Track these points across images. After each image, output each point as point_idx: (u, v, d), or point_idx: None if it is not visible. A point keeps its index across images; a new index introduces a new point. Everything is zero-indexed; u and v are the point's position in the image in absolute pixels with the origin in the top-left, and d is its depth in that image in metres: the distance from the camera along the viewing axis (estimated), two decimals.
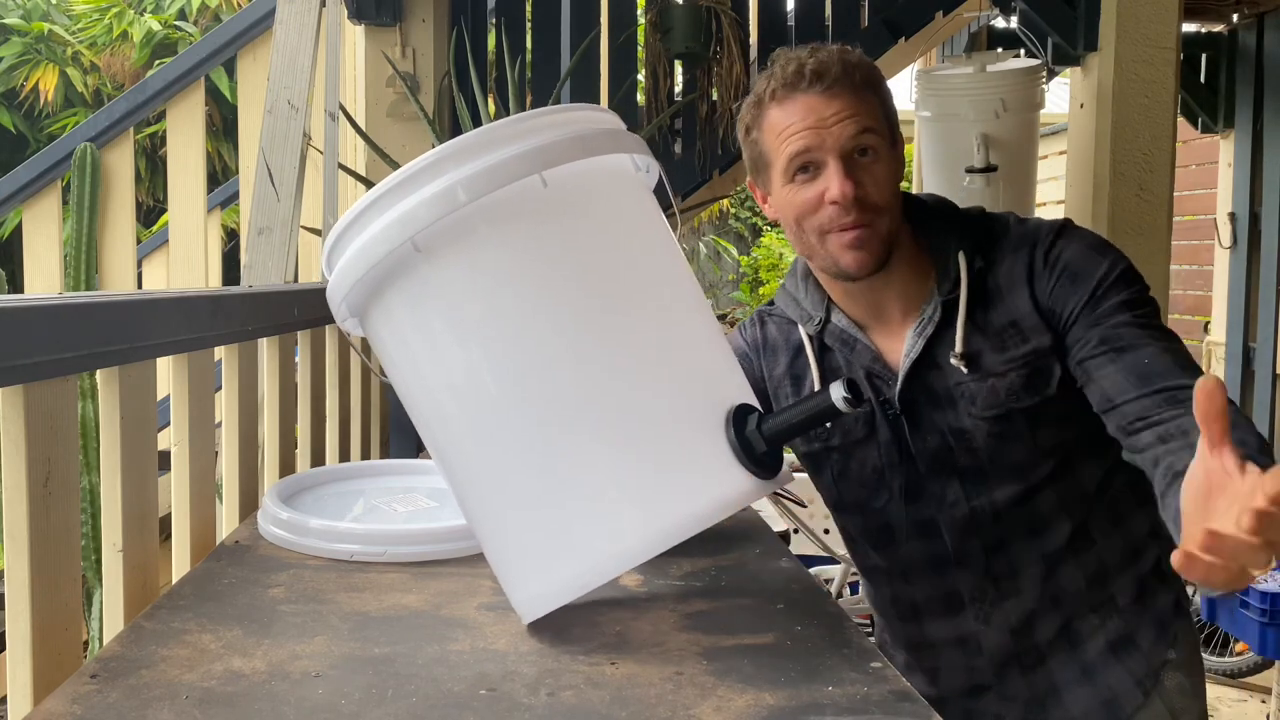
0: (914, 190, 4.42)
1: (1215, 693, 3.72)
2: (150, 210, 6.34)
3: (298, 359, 1.79)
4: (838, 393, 1.01)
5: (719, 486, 1.01)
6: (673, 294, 1.09)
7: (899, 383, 1.31)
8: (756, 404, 1.08)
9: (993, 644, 1.37)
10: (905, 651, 1.47)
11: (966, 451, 1.30)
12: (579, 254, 1.03)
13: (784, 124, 1.25)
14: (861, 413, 1.34)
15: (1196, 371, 1.18)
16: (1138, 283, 1.26)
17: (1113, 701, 1.33)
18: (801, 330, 1.39)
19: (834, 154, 1.23)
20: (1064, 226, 1.30)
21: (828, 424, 1.33)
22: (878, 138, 1.24)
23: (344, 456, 1.99)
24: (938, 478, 1.32)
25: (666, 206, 1.17)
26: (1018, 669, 1.37)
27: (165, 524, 1.53)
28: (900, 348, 1.32)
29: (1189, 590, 1.42)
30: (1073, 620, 1.34)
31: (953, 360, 1.27)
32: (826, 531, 3.07)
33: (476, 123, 2.87)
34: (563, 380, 1.00)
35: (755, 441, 1.02)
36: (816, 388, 1.35)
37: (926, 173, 3.50)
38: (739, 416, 1.03)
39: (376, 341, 1.10)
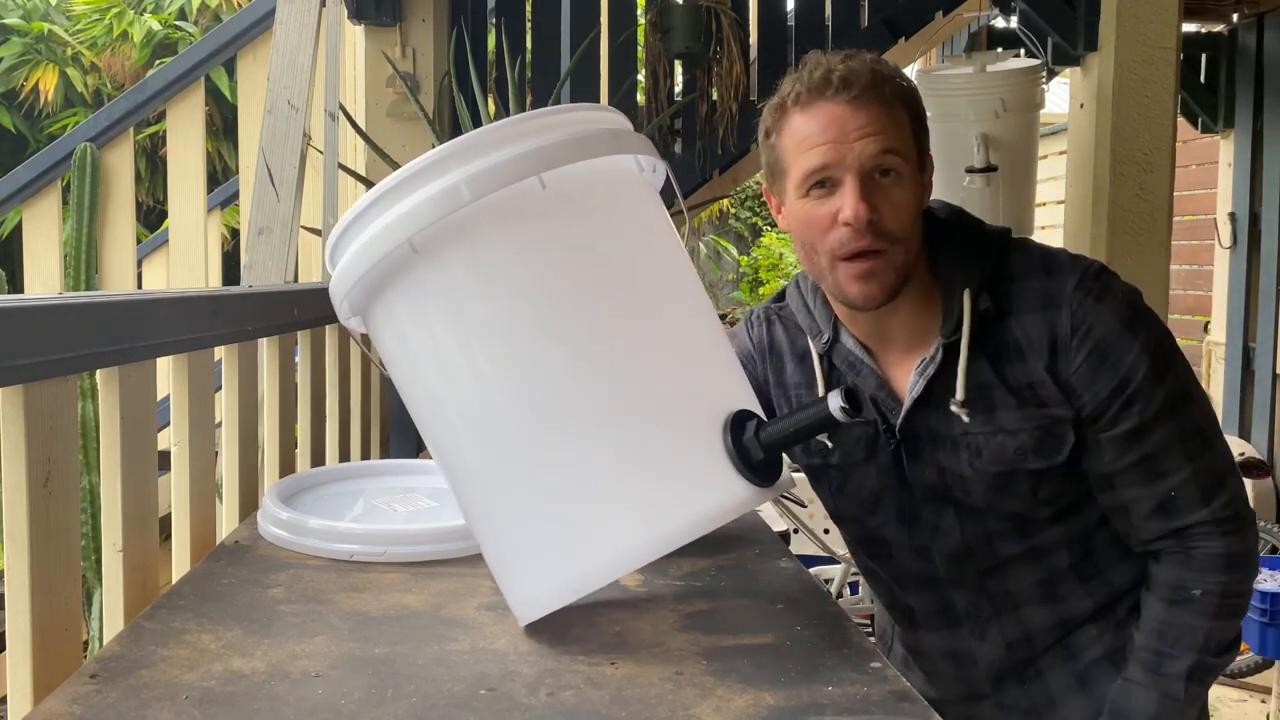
0: None
1: (1215, 693, 3.71)
2: (150, 210, 6.34)
3: (298, 359, 1.79)
4: (835, 403, 1.00)
5: (715, 493, 1.00)
6: (675, 297, 1.09)
7: (901, 415, 1.27)
8: (758, 409, 1.07)
9: (988, 658, 1.35)
10: (904, 649, 1.46)
11: (963, 492, 1.27)
12: (579, 256, 1.03)
13: (804, 132, 1.17)
14: (864, 434, 1.30)
15: (1214, 490, 1.21)
16: (1168, 364, 1.20)
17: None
18: (810, 343, 1.34)
19: (853, 172, 1.15)
20: (1094, 284, 1.20)
21: (825, 433, 1.30)
22: (902, 160, 1.17)
23: (344, 456, 1.99)
24: (933, 506, 1.30)
25: (673, 207, 1.17)
26: (1014, 681, 1.35)
27: (165, 524, 1.53)
28: (905, 378, 1.27)
29: None
30: (1072, 633, 1.32)
31: (953, 407, 1.22)
32: (826, 531, 3.07)
33: (476, 123, 2.87)
34: (561, 383, 1.00)
35: (752, 449, 1.01)
36: None
37: None
38: (737, 423, 1.02)
39: (379, 339, 1.10)
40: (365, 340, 1.13)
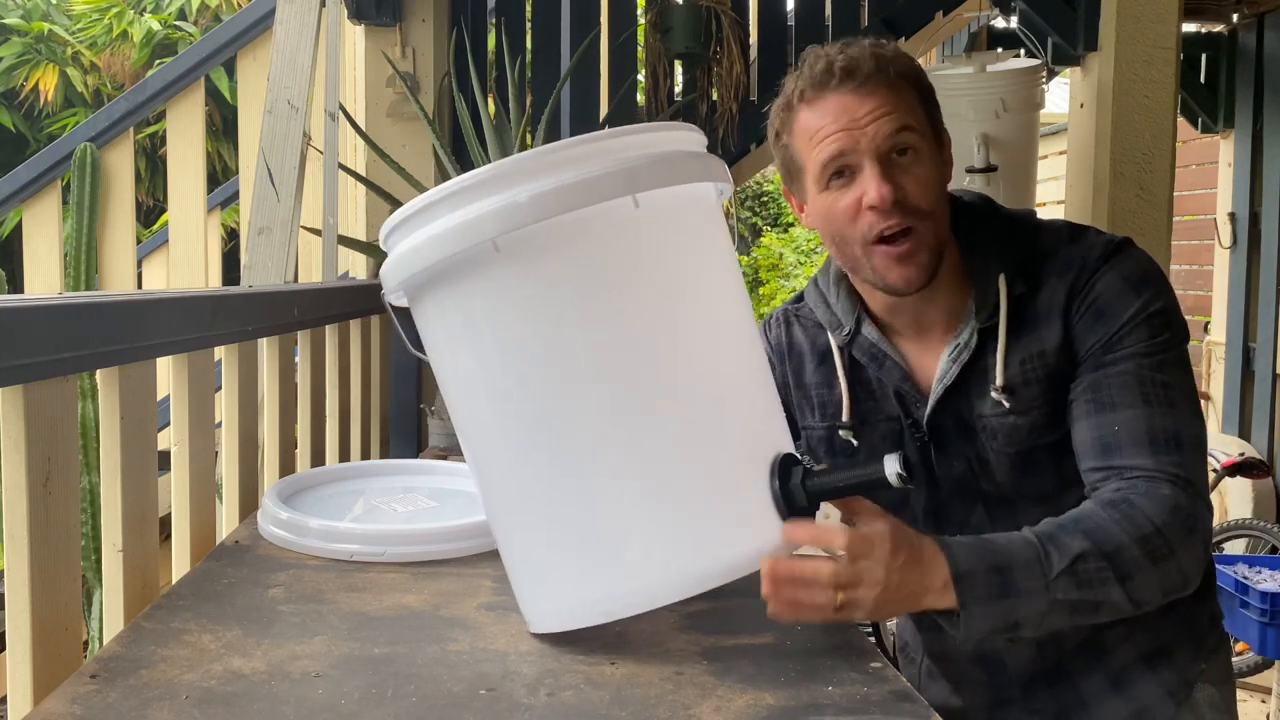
0: None
1: None
2: (150, 210, 6.34)
3: (298, 359, 1.79)
4: (892, 468, 0.98)
5: (753, 537, 0.99)
6: (732, 332, 1.06)
7: (929, 407, 1.25)
8: (799, 455, 1.05)
9: (1018, 661, 1.32)
10: (929, 659, 1.43)
11: (990, 481, 1.26)
12: (648, 282, 1.00)
13: (815, 126, 1.16)
14: (890, 430, 1.28)
15: (1166, 449, 1.13)
16: (1166, 328, 1.18)
17: (1143, 713, 1.29)
18: (830, 338, 1.32)
19: (870, 155, 1.14)
20: (1116, 250, 1.20)
21: (873, 484, 1.26)
22: (918, 136, 1.16)
23: (344, 456, 2.00)
24: (962, 502, 1.28)
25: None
26: (1043, 684, 1.33)
27: (165, 524, 1.54)
28: (932, 367, 1.25)
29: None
30: (1101, 632, 1.29)
31: (993, 394, 1.20)
32: None
33: (476, 123, 2.86)
34: (608, 411, 0.98)
35: (797, 495, 1.00)
36: (844, 403, 1.30)
37: None
38: (784, 468, 1.00)
39: (426, 330, 1.07)
40: (402, 317, 1.10)
